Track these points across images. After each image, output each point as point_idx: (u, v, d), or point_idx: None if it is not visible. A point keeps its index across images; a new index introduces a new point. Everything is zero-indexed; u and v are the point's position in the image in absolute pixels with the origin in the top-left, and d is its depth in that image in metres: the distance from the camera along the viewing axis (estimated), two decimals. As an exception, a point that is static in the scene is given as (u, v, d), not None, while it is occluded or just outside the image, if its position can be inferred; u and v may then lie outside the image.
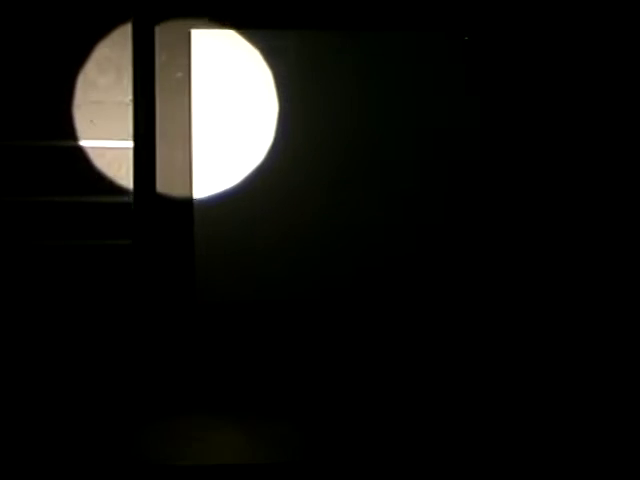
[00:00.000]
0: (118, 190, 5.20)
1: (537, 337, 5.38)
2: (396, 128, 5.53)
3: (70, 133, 5.19)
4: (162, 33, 5.39)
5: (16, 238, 5.13)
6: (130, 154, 5.22)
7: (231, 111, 5.48)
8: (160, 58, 5.39)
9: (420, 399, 4.96)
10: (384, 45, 5.51)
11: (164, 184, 5.39)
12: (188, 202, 5.38)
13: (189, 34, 5.43)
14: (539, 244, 5.49)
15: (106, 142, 5.22)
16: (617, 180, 5.49)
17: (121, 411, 4.81)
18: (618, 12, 5.44)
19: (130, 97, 5.24)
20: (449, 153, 5.53)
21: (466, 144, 5.53)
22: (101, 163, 5.21)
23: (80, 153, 5.20)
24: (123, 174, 5.23)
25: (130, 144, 5.23)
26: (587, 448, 4.02)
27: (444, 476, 3.80)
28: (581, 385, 5.12)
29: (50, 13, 5.20)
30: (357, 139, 5.51)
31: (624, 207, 5.47)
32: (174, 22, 5.42)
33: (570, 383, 5.16)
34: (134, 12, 5.26)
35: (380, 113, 5.53)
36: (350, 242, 5.48)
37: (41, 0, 5.18)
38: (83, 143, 5.22)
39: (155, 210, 5.36)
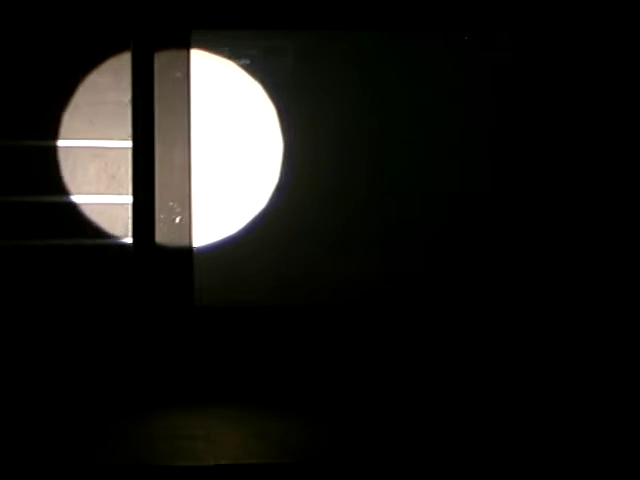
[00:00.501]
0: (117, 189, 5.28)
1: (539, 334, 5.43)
2: (400, 132, 5.57)
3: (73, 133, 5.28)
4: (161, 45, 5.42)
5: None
6: (129, 154, 5.27)
7: (229, 111, 5.51)
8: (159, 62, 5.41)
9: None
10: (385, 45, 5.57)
11: (163, 184, 5.40)
12: (187, 202, 5.39)
13: (189, 35, 5.46)
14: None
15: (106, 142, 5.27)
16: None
17: (116, 409, 4.84)
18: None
19: (129, 97, 5.28)
20: (454, 154, 5.57)
21: (470, 146, 5.58)
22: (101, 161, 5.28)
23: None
24: (122, 173, 5.28)
25: (129, 144, 5.27)
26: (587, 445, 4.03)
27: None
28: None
29: (55, 19, 5.27)
30: (357, 141, 5.54)
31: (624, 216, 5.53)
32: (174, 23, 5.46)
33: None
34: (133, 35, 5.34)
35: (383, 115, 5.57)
36: (345, 252, 5.51)
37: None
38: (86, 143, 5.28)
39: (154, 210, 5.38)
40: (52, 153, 5.23)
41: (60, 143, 5.24)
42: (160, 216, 5.36)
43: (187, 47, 5.44)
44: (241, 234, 5.45)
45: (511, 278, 5.51)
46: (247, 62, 5.51)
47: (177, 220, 5.38)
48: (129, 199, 5.27)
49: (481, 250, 5.53)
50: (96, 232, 5.22)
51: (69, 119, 5.25)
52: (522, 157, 5.55)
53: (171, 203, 5.38)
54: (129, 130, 5.28)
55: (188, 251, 5.36)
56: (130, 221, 5.24)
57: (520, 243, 5.53)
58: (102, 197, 5.27)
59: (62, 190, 5.23)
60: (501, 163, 5.56)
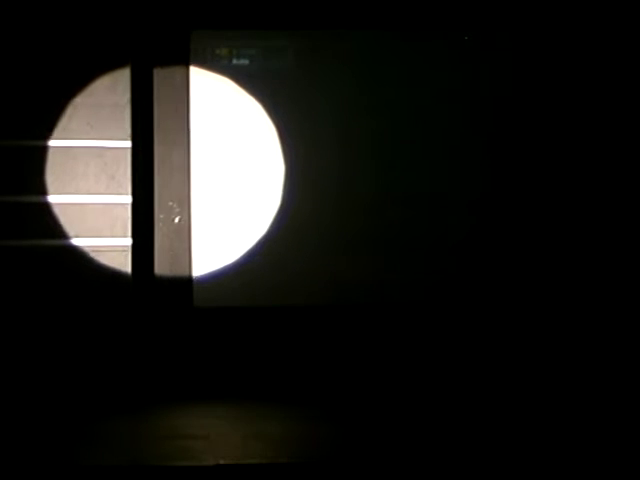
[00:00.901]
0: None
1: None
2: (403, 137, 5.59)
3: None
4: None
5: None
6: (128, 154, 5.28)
7: (228, 113, 5.52)
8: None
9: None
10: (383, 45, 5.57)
11: (162, 184, 5.40)
12: (186, 202, 5.39)
13: (188, 36, 5.45)
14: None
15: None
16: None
17: (117, 410, 4.83)
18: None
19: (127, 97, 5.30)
20: (457, 154, 5.57)
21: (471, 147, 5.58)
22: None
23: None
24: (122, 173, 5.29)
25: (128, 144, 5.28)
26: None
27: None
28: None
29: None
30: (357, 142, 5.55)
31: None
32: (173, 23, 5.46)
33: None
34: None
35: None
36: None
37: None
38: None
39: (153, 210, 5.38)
40: (52, 153, 5.25)
41: (59, 143, 5.25)
42: (159, 216, 5.36)
43: (187, 47, 5.43)
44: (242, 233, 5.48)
45: (513, 279, 5.51)
46: (246, 62, 5.53)
47: (176, 220, 5.38)
48: (128, 199, 5.28)
49: (484, 251, 5.54)
50: (95, 232, 5.22)
51: (69, 119, 5.27)
52: (523, 158, 5.55)
53: (170, 203, 5.38)
54: (128, 130, 5.28)
55: (187, 251, 5.36)
56: (129, 221, 5.26)
57: (522, 243, 5.53)
58: (102, 197, 5.28)
59: (61, 190, 5.24)
60: (501, 164, 5.56)
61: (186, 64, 5.44)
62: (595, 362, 5.34)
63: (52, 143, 5.23)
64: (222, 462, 3.83)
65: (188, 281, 5.38)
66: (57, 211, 5.20)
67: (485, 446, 4.08)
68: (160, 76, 5.39)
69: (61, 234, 5.20)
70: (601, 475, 3.80)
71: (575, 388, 5.17)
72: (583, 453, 3.96)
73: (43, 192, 5.20)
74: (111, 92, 5.29)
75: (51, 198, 5.21)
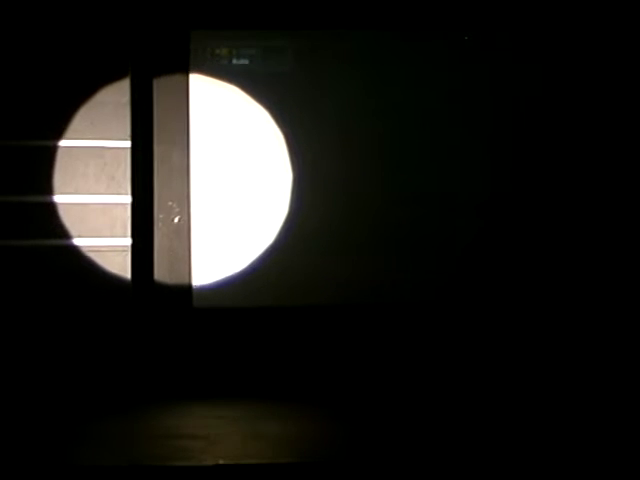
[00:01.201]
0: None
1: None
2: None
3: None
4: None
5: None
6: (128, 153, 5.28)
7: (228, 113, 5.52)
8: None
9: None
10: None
11: (162, 184, 5.39)
12: (186, 202, 5.39)
13: (188, 36, 5.45)
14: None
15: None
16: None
17: (116, 410, 4.83)
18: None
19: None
20: (459, 155, 5.56)
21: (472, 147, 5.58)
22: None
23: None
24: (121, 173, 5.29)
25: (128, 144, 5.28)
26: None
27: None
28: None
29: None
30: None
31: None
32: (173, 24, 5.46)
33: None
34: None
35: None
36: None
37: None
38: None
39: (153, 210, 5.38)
40: (52, 153, 5.25)
41: (59, 143, 5.24)
42: (159, 216, 5.36)
43: (186, 47, 5.44)
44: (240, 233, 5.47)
45: (522, 279, 5.51)
46: (246, 62, 5.53)
47: (176, 220, 5.38)
48: (128, 199, 5.28)
49: (493, 251, 5.53)
50: (95, 232, 5.22)
51: (69, 118, 5.27)
52: (529, 159, 5.55)
53: (170, 203, 5.38)
54: (128, 130, 5.28)
55: (187, 250, 5.36)
56: (129, 221, 5.25)
57: (530, 244, 5.53)
58: (102, 197, 5.28)
59: (61, 190, 5.24)
60: (508, 165, 5.56)
61: (186, 64, 5.44)
62: (610, 364, 5.33)
63: (52, 143, 5.23)
64: (221, 462, 3.82)
65: (188, 281, 5.38)
66: (57, 211, 5.21)
67: (494, 447, 4.06)
68: (160, 76, 5.39)
69: (60, 234, 5.20)
70: (601, 475, 3.80)
71: (590, 388, 5.16)
72: (584, 453, 3.96)
73: (43, 192, 5.20)
74: (111, 91, 5.28)
75: (51, 198, 5.21)
